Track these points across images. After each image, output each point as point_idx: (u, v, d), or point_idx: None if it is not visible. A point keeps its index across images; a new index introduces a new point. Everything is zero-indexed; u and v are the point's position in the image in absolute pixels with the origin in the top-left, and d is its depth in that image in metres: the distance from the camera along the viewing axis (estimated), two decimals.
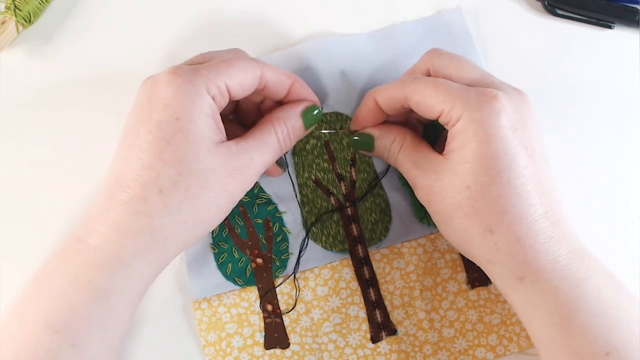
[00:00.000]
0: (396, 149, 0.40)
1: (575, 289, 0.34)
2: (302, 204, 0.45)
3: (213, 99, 0.36)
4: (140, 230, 0.35)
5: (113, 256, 0.34)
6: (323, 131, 0.45)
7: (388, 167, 0.45)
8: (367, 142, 0.42)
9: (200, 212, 0.36)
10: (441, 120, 0.37)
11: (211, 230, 0.38)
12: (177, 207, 0.35)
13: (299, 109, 0.41)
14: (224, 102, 0.37)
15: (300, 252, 0.44)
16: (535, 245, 0.35)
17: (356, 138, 0.42)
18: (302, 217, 0.44)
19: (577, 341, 0.33)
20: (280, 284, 0.43)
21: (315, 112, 0.41)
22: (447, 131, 0.43)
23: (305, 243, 0.44)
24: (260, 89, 0.39)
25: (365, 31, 0.48)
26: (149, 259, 0.35)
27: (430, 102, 0.37)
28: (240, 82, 0.37)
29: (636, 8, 0.48)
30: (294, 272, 0.44)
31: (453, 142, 0.36)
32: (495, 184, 0.35)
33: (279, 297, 0.43)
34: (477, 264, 0.38)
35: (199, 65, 0.37)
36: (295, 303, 0.43)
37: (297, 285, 0.44)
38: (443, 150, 0.38)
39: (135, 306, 0.37)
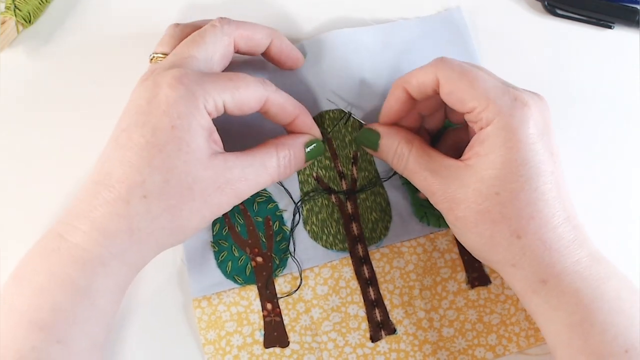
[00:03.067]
0: (404, 152, 0.40)
1: (595, 290, 0.35)
2: (302, 202, 0.45)
3: (208, 113, 0.36)
4: (119, 231, 0.35)
5: (92, 254, 0.35)
6: (334, 108, 0.45)
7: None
8: (371, 140, 0.42)
9: (180, 221, 0.36)
10: (469, 117, 0.37)
11: (190, 237, 0.39)
12: (158, 214, 0.35)
13: (303, 139, 0.41)
14: (216, 115, 0.37)
15: (292, 229, 0.44)
16: (560, 248, 0.35)
17: (364, 131, 0.42)
18: (302, 215, 0.45)
19: (597, 340, 0.34)
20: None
21: (317, 146, 0.42)
22: (449, 134, 0.43)
23: (298, 221, 0.44)
24: (263, 111, 0.40)
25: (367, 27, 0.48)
26: (126, 259, 0.36)
27: (463, 95, 0.36)
28: (239, 104, 0.37)
29: (636, 8, 0.48)
30: (289, 237, 0.44)
31: (480, 146, 0.36)
32: (524, 190, 0.35)
33: (278, 295, 0.43)
34: (496, 268, 0.38)
35: (205, 75, 0.37)
36: (301, 281, 0.44)
37: (296, 261, 0.44)
38: (445, 153, 0.38)
39: (117, 303, 0.37)
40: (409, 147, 0.40)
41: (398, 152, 0.40)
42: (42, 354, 0.33)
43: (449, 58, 0.38)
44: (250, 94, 0.37)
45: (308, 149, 0.41)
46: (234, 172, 0.37)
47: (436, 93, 0.38)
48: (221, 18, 0.40)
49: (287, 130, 0.42)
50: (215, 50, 0.39)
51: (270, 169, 0.39)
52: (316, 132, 0.42)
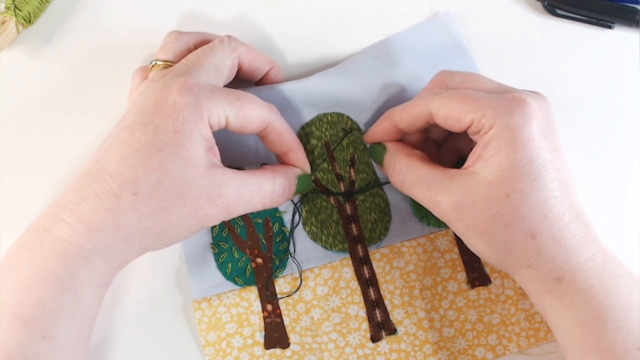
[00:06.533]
0: (402, 167, 0.40)
1: (608, 286, 0.35)
2: (301, 203, 0.45)
3: (210, 126, 0.36)
4: (104, 225, 0.34)
5: (76, 248, 0.34)
6: (344, 127, 0.45)
7: None
8: (379, 154, 0.42)
9: (166, 225, 0.36)
10: (471, 130, 0.37)
11: (175, 243, 0.39)
12: (146, 214, 0.35)
13: (297, 172, 0.42)
14: (217, 128, 0.37)
15: (292, 230, 0.44)
16: (574, 245, 0.35)
17: (373, 146, 0.42)
18: (301, 216, 0.45)
19: (610, 337, 0.34)
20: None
21: (307, 180, 0.43)
22: (451, 140, 0.43)
23: (298, 221, 0.44)
24: (262, 136, 0.41)
25: (358, 43, 0.47)
26: (109, 255, 0.35)
27: (458, 114, 0.36)
28: (241, 122, 0.38)
29: (636, 8, 0.48)
30: (289, 238, 0.44)
31: (484, 150, 0.36)
32: (534, 189, 0.35)
33: (279, 296, 0.44)
34: (510, 272, 0.38)
35: (214, 88, 0.37)
36: (301, 282, 0.44)
37: (296, 262, 0.44)
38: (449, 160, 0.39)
39: (100, 298, 0.37)
40: (408, 162, 0.39)
41: (396, 167, 0.40)
42: (28, 350, 0.33)
43: (436, 89, 0.39)
44: (254, 115, 0.38)
45: (301, 182, 0.42)
46: (230, 187, 0.37)
47: (428, 124, 0.39)
48: (228, 35, 0.42)
49: (280, 160, 0.43)
50: (223, 64, 0.40)
51: (264, 193, 0.39)
52: (307, 168, 0.43)
